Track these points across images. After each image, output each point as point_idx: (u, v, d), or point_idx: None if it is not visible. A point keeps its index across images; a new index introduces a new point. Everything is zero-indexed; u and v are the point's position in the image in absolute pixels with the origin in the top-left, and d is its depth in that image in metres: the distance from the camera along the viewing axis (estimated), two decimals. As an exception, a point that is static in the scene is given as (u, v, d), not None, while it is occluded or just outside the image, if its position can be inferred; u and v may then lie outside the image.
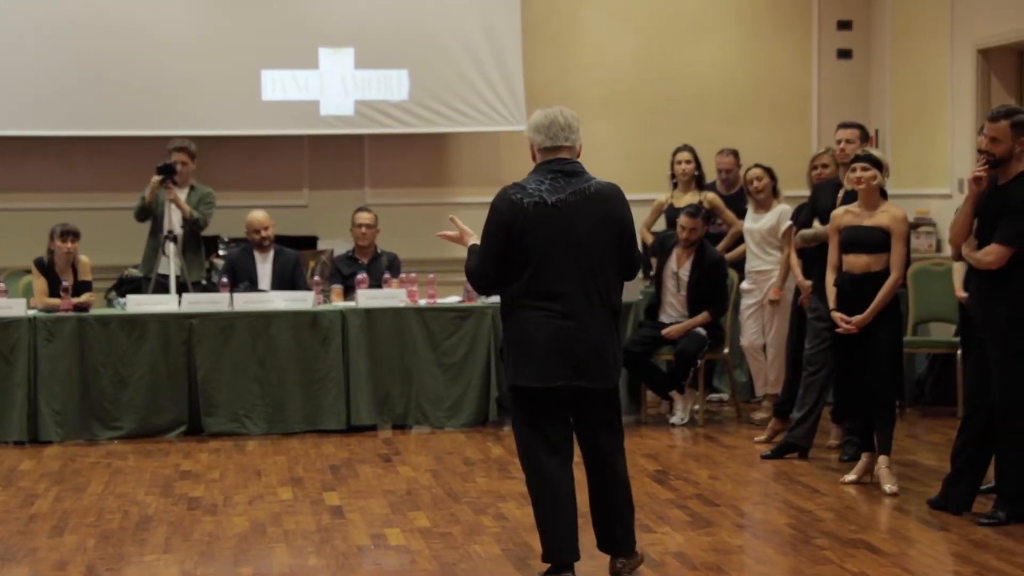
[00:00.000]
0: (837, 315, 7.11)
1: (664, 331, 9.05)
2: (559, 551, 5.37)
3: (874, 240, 7.03)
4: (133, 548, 6.09)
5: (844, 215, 7.20)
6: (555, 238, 5.31)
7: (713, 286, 9.12)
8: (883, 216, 7.06)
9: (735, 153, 10.48)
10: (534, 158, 5.51)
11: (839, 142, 7.85)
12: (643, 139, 11.96)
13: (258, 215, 9.81)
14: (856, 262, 7.09)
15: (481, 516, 6.56)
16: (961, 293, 7.21)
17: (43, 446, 8.64)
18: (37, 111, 10.93)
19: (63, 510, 6.82)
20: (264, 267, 9.72)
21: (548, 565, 5.40)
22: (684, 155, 10.08)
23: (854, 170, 7.12)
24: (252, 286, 9.57)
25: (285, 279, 9.64)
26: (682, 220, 9.14)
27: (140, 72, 11.02)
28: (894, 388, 7.15)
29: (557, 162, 5.44)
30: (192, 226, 9.72)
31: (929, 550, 5.96)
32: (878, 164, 7.09)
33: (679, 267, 9.19)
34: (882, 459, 7.06)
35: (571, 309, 5.32)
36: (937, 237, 10.76)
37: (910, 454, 7.98)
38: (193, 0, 11.12)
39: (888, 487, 6.95)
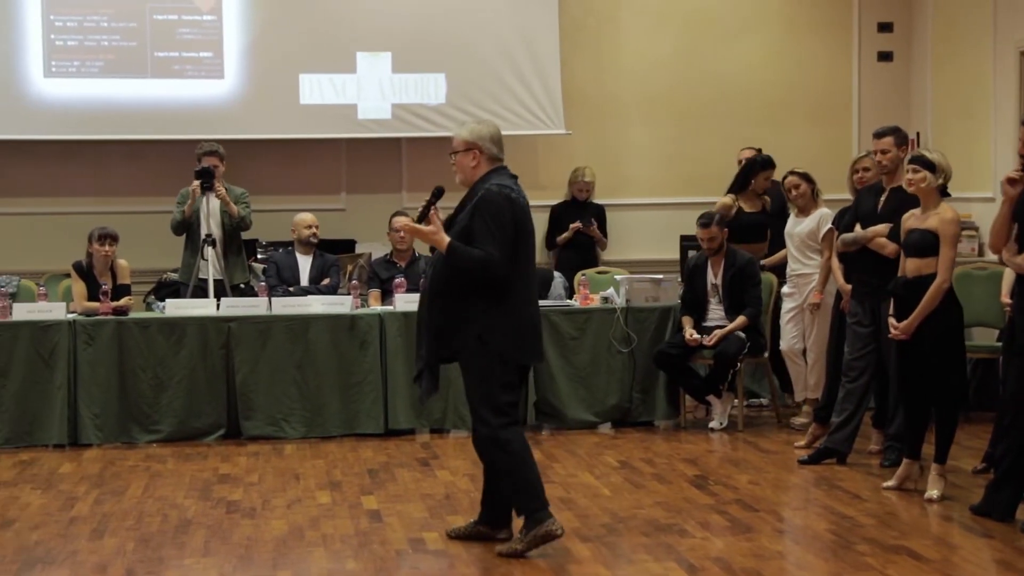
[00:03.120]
0: (890, 320, 7.02)
1: (701, 337, 8.98)
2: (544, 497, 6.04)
3: (924, 243, 6.89)
4: (172, 551, 6.10)
5: (909, 218, 7.05)
6: (531, 232, 6.08)
7: (744, 286, 9.08)
8: (934, 219, 6.91)
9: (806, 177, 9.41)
10: (477, 166, 6.03)
11: (875, 153, 7.74)
12: (680, 141, 11.93)
13: (305, 215, 10.05)
14: (909, 266, 6.98)
15: (519, 520, 6.51)
16: (1007, 299, 7.11)
17: (83, 449, 8.67)
18: (75, 116, 10.99)
19: (103, 513, 6.85)
20: (304, 267, 9.85)
21: (537, 519, 5.94)
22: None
23: (907, 171, 7.03)
24: (296, 282, 9.77)
25: (322, 275, 9.89)
26: (698, 233, 9.17)
27: (179, 76, 11.09)
28: (950, 397, 6.96)
29: (507, 168, 6.10)
30: (239, 223, 9.72)
31: (972, 557, 5.90)
32: (930, 166, 6.95)
33: (715, 276, 9.18)
34: (935, 467, 6.97)
35: (535, 293, 6.17)
36: (980, 241, 10.68)
37: (952, 459, 7.86)
38: (231, 5, 11.15)
39: (933, 493, 6.87)
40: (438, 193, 6.09)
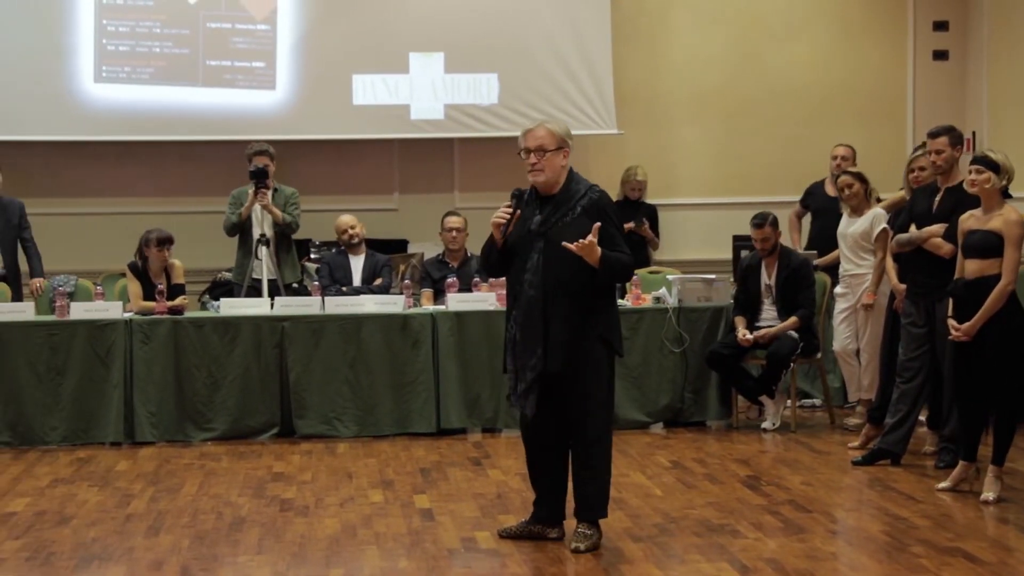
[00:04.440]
0: (950, 322, 6.96)
1: (754, 334, 8.95)
2: None
3: (987, 244, 6.80)
4: (227, 549, 6.15)
5: (968, 219, 6.97)
6: None
7: (798, 287, 9.03)
8: (997, 220, 6.81)
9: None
10: (566, 165, 6.04)
11: (930, 153, 7.65)
12: (733, 141, 11.90)
13: (343, 217, 10.08)
14: (970, 267, 6.89)
15: (571, 520, 6.52)
16: None
17: (139, 447, 8.76)
18: (128, 118, 11.10)
19: (158, 510, 6.91)
20: (356, 267, 9.89)
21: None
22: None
23: (970, 171, 6.96)
24: (348, 282, 9.81)
25: (374, 275, 9.91)
26: (752, 233, 9.14)
27: (234, 78, 11.18)
28: (1011, 399, 6.87)
29: None
30: (285, 229, 9.76)
31: (1029, 559, 5.85)
32: (994, 166, 6.84)
33: (769, 277, 9.15)
34: (992, 468, 6.90)
35: None
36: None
37: (1010, 462, 7.79)
38: (285, 5, 11.22)
39: (989, 495, 6.81)
40: (520, 195, 6.06)
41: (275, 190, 9.74)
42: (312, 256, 10.87)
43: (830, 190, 10.41)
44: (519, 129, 10.70)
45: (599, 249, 5.81)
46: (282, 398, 9.02)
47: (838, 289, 9.30)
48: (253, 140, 10.08)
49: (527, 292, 5.92)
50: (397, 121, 11.36)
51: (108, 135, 11.16)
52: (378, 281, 9.85)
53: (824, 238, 10.06)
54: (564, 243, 5.82)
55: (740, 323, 9.09)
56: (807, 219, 10.73)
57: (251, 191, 9.57)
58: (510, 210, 5.98)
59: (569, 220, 5.90)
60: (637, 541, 6.15)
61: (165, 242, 9.22)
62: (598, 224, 5.83)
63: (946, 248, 7.38)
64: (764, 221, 9.11)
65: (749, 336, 8.96)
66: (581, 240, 5.78)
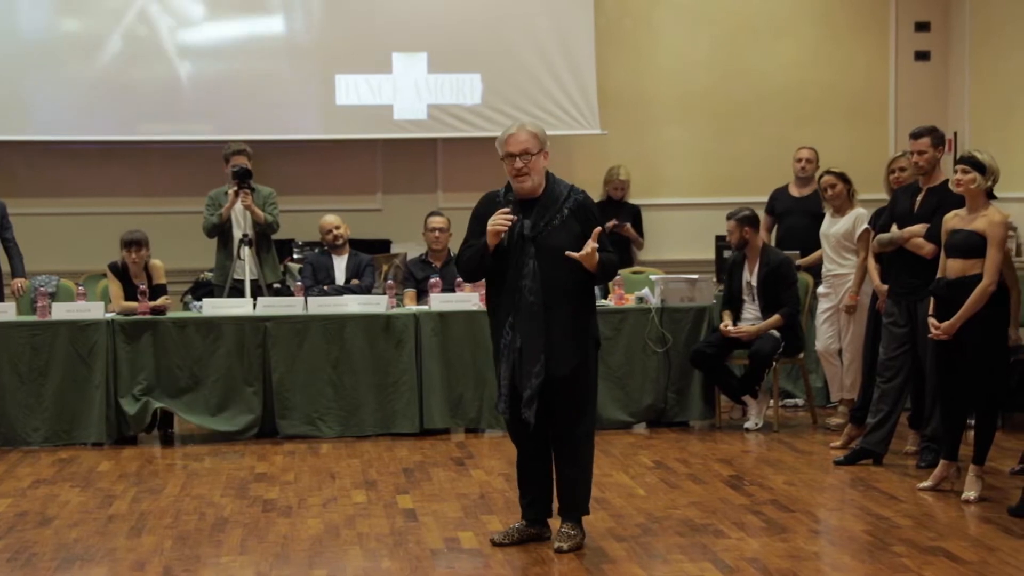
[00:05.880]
0: (930, 320, 6.98)
1: (735, 329, 8.98)
2: None
3: (969, 244, 6.82)
4: (209, 549, 6.14)
5: (952, 219, 6.99)
6: None
7: (780, 285, 9.04)
8: (981, 220, 6.82)
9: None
10: (545, 167, 5.98)
11: (912, 153, 7.64)
12: (716, 141, 11.91)
13: (328, 217, 10.04)
14: (952, 267, 6.91)
15: (554, 519, 6.53)
16: None
17: (121, 447, 8.73)
18: (116, 117, 11.08)
19: (140, 511, 6.90)
20: (339, 267, 9.86)
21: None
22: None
23: (955, 171, 6.97)
24: (331, 282, 9.75)
25: (357, 275, 9.87)
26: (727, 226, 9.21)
27: (215, 78, 11.16)
28: (992, 398, 6.90)
29: None
30: (266, 229, 9.74)
31: (1010, 559, 5.86)
32: (980, 167, 6.85)
33: (750, 275, 9.16)
34: (973, 467, 6.92)
35: None
36: (1018, 241, 10.60)
37: (990, 461, 7.82)
38: (268, 6, 11.21)
39: (970, 494, 6.84)
40: (513, 201, 6.00)
41: (253, 190, 9.72)
42: (295, 256, 10.85)
43: (794, 191, 10.45)
44: (502, 129, 10.65)
45: (598, 255, 5.85)
46: (265, 398, 9.00)
47: (821, 289, 9.33)
48: (231, 140, 10.07)
49: (527, 298, 5.87)
50: (380, 121, 11.34)
51: (90, 135, 11.13)
52: (355, 281, 9.80)
53: (792, 239, 10.09)
54: (568, 252, 5.82)
55: (727, 316, 9.12)
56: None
57: (232, 191, 9.55)
58: (510, 217, 5.89)
59: (558, 223, 5.90)
60: (620, 541, 6.16)
61: (132, 244, 9.14)
62: (599, 229, 5.87)
63: (927, 248, 7.40)
64: (732, 216, 9.15)
65: (731, 328, 8.97)
66: (585, 250, 5.80)
